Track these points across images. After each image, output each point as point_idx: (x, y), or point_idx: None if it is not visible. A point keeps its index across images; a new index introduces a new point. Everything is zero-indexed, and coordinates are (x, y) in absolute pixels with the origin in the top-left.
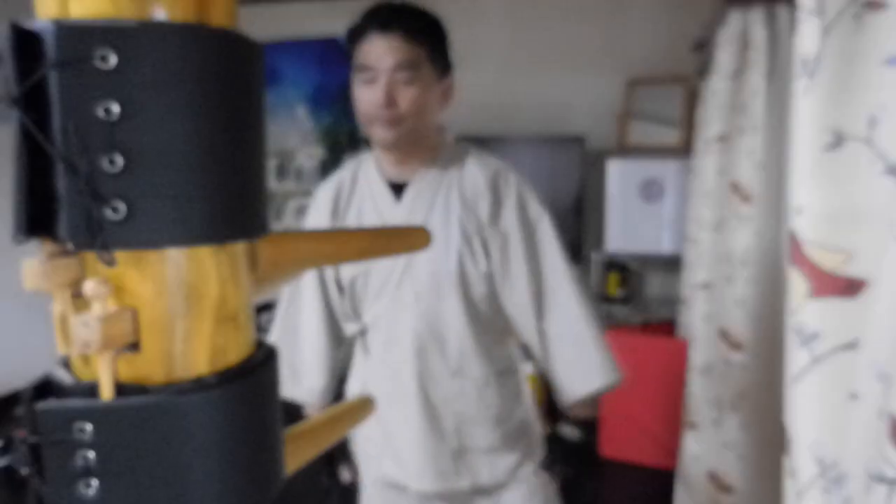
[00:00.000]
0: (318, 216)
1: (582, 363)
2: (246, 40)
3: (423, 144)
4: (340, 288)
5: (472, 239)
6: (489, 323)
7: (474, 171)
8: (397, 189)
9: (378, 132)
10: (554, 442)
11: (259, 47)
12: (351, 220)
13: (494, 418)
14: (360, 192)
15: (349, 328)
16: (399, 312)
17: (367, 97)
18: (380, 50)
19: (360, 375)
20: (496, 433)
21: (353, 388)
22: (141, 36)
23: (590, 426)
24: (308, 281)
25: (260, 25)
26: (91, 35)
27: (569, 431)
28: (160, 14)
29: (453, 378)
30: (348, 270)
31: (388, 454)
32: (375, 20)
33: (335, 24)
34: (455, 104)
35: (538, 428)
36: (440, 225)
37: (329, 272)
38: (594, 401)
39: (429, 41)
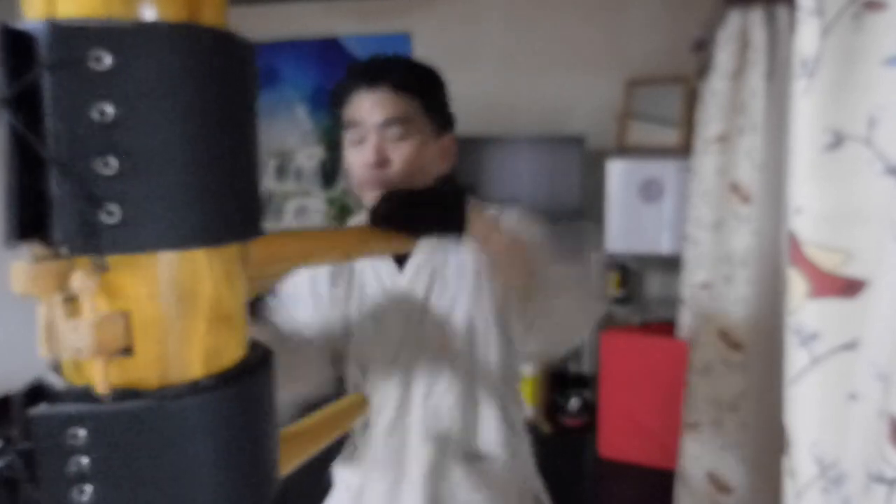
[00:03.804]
0: (313, 280)
1: None
2: (238, 39)
3: None
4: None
5: (482, 303)
6: (499, 387)
7: None
8: (399, 257)
9: (370, 195)
10: (555, 439)
11: (251, 46)
12: (355, 290)
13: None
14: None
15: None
16: (405, 393)
17: (357, 158)
18: (367, 105)
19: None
20: None
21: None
22: (136, 36)
23: (589, 426)
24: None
25: (260, 25)
26: (86, 35)
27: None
28: (150, 13)
29: (467, 462)
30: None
31: None
32: (361, 76)
33: (335, 24)
34: (455, 104)
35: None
36: (447, 296)
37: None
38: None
39: (422, 93)
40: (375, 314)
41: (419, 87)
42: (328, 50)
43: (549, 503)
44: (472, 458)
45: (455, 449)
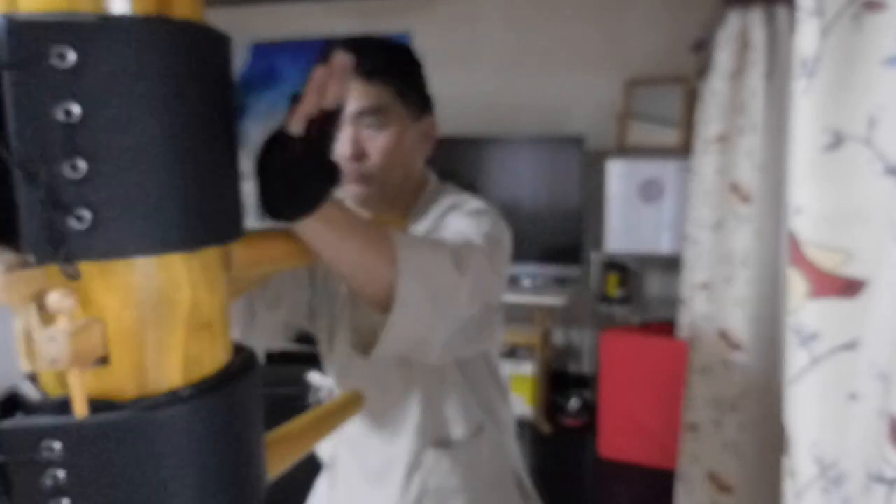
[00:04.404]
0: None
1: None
2: (212, 32)
3: (403, 196)
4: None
5: None
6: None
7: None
8: None
9: (348, 189)
10: (555, 439)
11: (226, 39)
12: (331, 276)
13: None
14: None
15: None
16: (372, 380)
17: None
18: None
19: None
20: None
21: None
22: (101, 31)
23: (589, 426)
24: None
25: (260, 25)
26: (47, 31)
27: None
28: (117, 6)
29: (438, 447)
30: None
31: None
32: None
33: (335, 24)
34: (455, 104)
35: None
36: None
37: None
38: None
39: (395, 78)
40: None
41: (392, 72)
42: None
43: (531, 486)
44: (443, 443)
45: (424, 434)
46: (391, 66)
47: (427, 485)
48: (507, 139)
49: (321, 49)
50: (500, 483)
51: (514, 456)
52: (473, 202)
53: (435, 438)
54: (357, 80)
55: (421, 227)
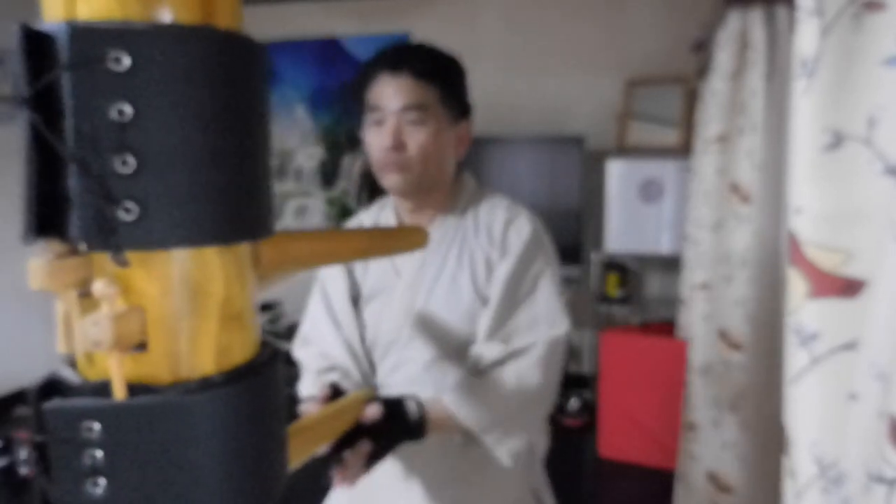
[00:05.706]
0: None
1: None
2: (251, 42)
3: (437, 192)
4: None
5: (483, 293)
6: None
7: (488, 221)
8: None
9: (387, 178)
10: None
11: (263, 48)
12: (359, 268)
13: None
14: None
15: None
16: (410, 380)
17: (376, 140)
18: (389, 90)
19: None
20: None
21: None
22: (153, 38)
23: (589, 426)
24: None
25: (260, 25)
26: (105, 37)
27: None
28: (167, 16)
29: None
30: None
31: None
32: (385, 61)
33: (335, 25)
34: None
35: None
36: (452, 279)
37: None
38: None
39: (441, 82)
40: (382, 288)
41: (439, 75)
42: (328, 50)
43: (551, 500)
44: (467, 451)
45: (446, 440)
46: (438, 69)
47: (458, 494)
48: (507, 139)
49: (378, 52)
50: (521, 501)
51: (538, 474)
52: (521, 226)
53: (459, 443)
54: (408, 77)
55: (466, 223)
